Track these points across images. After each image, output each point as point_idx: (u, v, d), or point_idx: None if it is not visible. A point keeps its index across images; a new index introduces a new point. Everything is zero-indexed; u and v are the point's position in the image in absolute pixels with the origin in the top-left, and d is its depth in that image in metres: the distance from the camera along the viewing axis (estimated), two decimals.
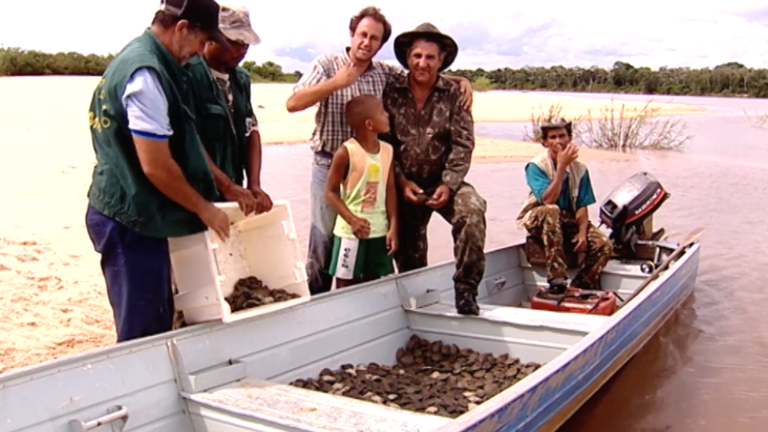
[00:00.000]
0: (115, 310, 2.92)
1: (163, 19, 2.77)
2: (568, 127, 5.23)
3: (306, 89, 3.90)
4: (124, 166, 2.70)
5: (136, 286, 2.81)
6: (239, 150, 3.35)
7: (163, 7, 2.78)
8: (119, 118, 2.64)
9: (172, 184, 2.72)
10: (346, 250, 3.89)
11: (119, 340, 2.85)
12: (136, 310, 2.82)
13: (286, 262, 3.26)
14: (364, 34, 3.93)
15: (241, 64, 3.39)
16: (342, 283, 3.98)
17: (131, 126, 2.61)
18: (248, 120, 3.40)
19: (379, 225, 3.91)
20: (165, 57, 2.75)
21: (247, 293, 3.20)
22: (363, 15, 3.95)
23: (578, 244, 5.04)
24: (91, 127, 2.75)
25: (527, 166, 5.24)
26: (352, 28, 3.98)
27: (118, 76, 2.63)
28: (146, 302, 2.83)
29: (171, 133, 2.69)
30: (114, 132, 2.67)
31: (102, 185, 2.78)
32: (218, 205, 2.94)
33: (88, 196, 2.87)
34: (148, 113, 2.59)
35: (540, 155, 5.27)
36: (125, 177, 2.71)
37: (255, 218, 3.23)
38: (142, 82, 2.59)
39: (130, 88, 2.59)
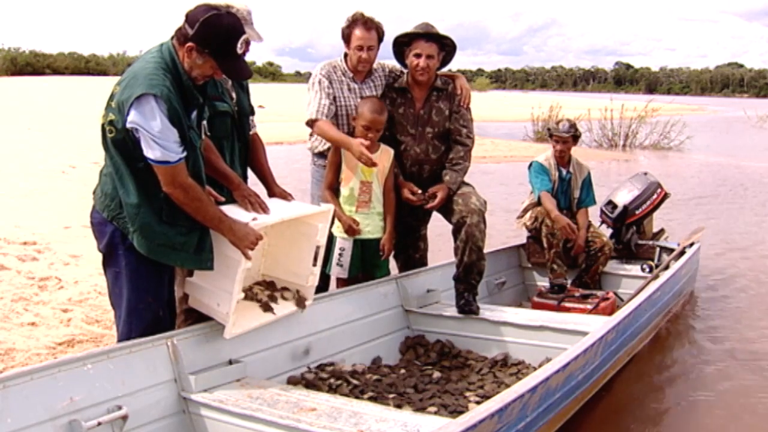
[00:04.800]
0: (115, 312, 2.92)
1: (178, 36, 2.70)
2: (576, 136, 5.20)
3: (329, 132, 3.82)
4: (124, 174, 2.68)
5: (135, 289, 2.80)
6: (246, 148, 3.36)
7: (182, 23, 2.70)
8: (123, 131, 2.61)
9: (190, 204, 2.69)
10: (340, 249, 3.89)
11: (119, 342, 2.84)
12: (135, 313, 2.81)
13: (304, 262, 3.24)
14: (360, 48, 3.92)
15: None
16: (341, 282, 3.98)
17: (145, 154, 2.59)
18: (251, 118, 3.41)
19: (374, 226, 3.90)
20: (179, 75, 2.68)
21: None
22: (353, 25, 3.92)
23: (575, 247, 5.02)
24: (102, 125, 2.71)
25: (531, 164, 5.25)
26: (346, 40, 3.97)
27: (127, 92, 2.58)
28: (146, 306, 2.82)
29: (185, 154, 2.65)
30: (118, 142, 2.65)
31: (104, 188, 2.78)
32: (255, 224, 2.85)
33: (94, 194, 2.86)
34: (159, 142, 2.56)
35: (544, 154, 5.27)
36: (124, 185, 2.69)
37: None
38: (149, 112, 2.54)
39: (138, 118, 2.54)
